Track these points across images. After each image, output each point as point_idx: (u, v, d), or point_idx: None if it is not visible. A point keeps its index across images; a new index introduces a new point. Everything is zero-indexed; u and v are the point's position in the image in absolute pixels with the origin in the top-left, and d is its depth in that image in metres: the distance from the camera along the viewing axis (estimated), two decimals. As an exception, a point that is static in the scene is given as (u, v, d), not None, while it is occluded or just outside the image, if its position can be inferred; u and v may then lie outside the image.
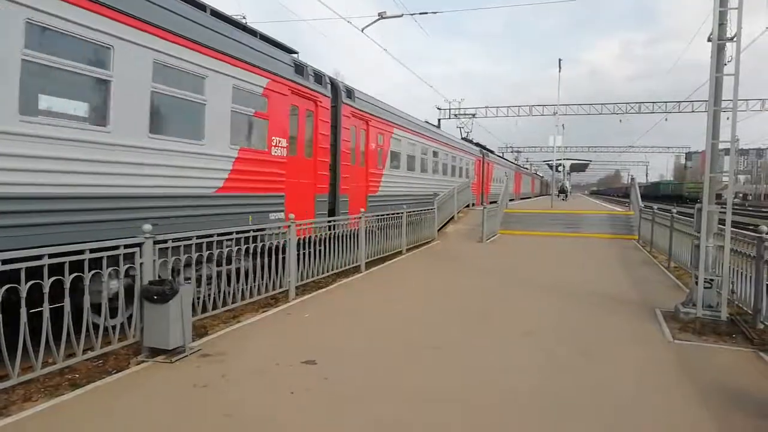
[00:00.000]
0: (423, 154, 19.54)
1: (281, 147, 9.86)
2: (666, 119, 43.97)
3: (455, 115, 39.80)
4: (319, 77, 11.48)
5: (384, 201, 15.25)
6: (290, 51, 10.87)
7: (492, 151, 38.56)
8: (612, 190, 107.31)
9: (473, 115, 37.69)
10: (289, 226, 8.27)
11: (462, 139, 31.99)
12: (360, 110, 13.74)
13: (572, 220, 20.39)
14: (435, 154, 21.26)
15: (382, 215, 12.48)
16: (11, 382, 4.35)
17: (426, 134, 20.12)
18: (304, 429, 3.93)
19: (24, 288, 4.33)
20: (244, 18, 11.51)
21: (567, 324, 7.11)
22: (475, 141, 34.75)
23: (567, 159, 48.86)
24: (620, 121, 43.81)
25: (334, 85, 12.40)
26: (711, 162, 7.21)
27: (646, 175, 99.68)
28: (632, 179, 25.43)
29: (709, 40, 7.17)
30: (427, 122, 22.92)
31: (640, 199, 18.79)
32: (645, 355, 5.81)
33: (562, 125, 35.60)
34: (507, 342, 6.24)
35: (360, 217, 11.08)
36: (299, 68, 10.65)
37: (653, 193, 64.32)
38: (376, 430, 3.93)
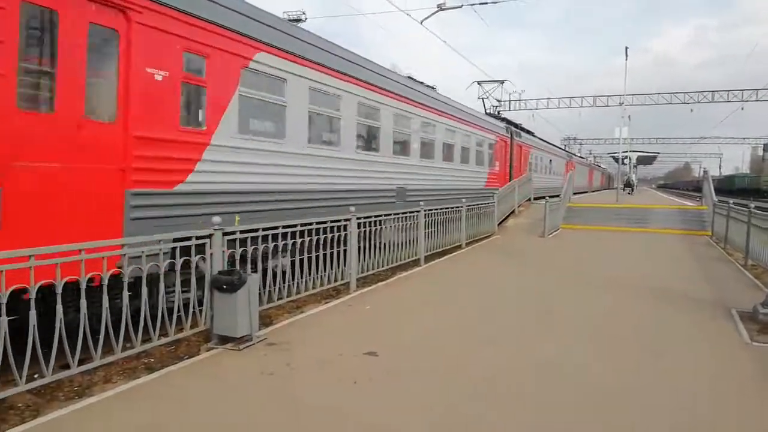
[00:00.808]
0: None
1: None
2: (742, 108, 41.52)
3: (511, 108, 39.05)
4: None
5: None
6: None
7: (529, 132, 29.71)
8: (682, 184, 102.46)
9: (501, 82, 29.92)
10: (350, 219, 8.37)
11: (487, 114, 25.62)
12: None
13: (639, 215, 19.62)
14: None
15: (440, 209, 12.39)
16: (94, 364, 4.63)
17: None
18: (368, 419, 3.99)
19: (106, 276, 4.59)
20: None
21: (635, 322, 6.88)
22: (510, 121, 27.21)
23: (633, 151, 47.00)
24: (692, 110, 41.77)
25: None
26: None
27: (720, 168, 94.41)
28: (705, 172, 24.18)
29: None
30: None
31: (713, 193, 17.87)
32: (720, 357, 5.54)
33: (629, 116, 34.26)
34: (571, 338, 6.10)
35: (417, 210, 11.09)
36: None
37: (727, 187, 60.95)
38: (439, 422, 3.94)
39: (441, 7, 18.92)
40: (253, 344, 5.57)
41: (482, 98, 28.69)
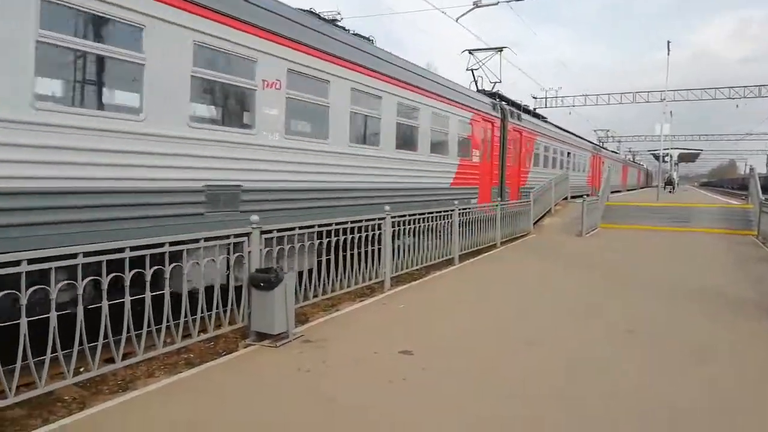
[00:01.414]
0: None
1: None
2: (791, 103, 39.90)
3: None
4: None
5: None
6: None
7: (537, 115, 23.68)
8: (726, 182, 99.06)
9: (499, 50, 19.75)
10: (384, 218, 8.39)
11: (479, 92, 18.30)
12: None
13: (680, 214, 19.07)
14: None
15: (474, 207, 12.33)
16: (137, 359, 4.77)
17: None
18: (403, 418, 4.00)
19: (148, 273, 4.72)
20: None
21: (676, 324, 6.70)
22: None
23: (675, 148, 45.72)
24: (737, 106, 40.20)
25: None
26: None
27: (767, 165, 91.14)
28: (751, 169, 23.37)
29: None
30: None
31: (760, 191, 17.23)
32: (764, 361, 5.36)
33: (670, 112, 33.34)
34: (610, 341, 5.97)
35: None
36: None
37: (775, 185, 58.74)
38: (474, 423, 3.92)
39: (477, 4, 18.72)
40: (290, 341, 5.64)
41: (472, 69, 20.14)
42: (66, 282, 4.19)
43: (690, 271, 10.48)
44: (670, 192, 36.08)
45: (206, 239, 5.33)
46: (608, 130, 62.74)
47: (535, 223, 17.21)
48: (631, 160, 70.96)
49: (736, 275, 9.97)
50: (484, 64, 20.45)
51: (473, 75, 20.15)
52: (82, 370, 4.43)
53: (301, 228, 6.57)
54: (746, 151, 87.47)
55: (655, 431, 3.84)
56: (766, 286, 9.01)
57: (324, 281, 7.04)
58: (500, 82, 20.45)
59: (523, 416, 4.04)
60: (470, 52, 20.47)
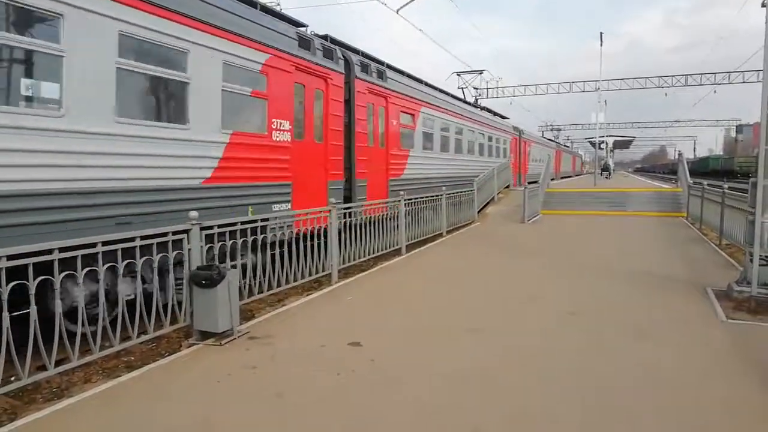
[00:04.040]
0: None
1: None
2: (715, 91, 42.23)
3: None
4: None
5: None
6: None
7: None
8: (657, 167, 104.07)
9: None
10: (330, 210, 8.33)
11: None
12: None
13: (617, 199, 19.87)
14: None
15: (420, 198, 12.40)
16: (72, 365, 4.56)
17: None
18: (351, 409, 3.99)
19: (80, 274, 4.50)
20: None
21: (614, 304, 6.97)
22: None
23: (610, 136, 47.53)
24: (665, 94, 42.22)
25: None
26: (766, 134, 6.87)
27: (694, 151, 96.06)
28: (680, 154, 24.51)
29: (763, 5, 6.81)
30: None
31: (688, 175, 18.16)
32: (697, 335, 5.66)
33: (605, 101, 34.61)
34: (551, 324, 6.16)
35: (396, 201, 11.03)
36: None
37: (702, 169, 61.97)
38: (422, 411, 3.95)
39: (416, -5, 18.83)
40: (235, 339, 5.53)
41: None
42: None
43: (628, 253, 10.93)
44: (606, 178, 37.52)
45: (142, 237, 5.13)
46: (551, 125, 64.65)
47: (479, 212, 17.53)
48: (566, 146, 69.85)
49: (670, 255, 10.48)
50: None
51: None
52: (12, 379, 4.19)
53: (243, 223, 6.43)
54: (676, 137, 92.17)
55: (588, 407, 3.98)
56: (698, 264, 9.52)
57: (269, 276, 6.92)
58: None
59: (467, 403, 4.11)
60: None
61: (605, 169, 41.38)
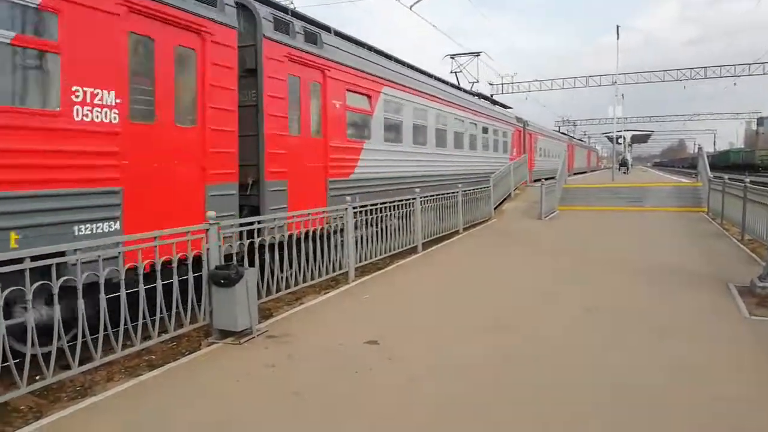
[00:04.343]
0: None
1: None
2: (735, 84, 41.47)
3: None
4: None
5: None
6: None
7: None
8: (676, 161, 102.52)
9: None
10: (346, 209, 8.35)
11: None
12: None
13: (635, 194, 19.64)
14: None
15: (437, 195, 12.35)
16: (94, 364, 4.62)
17: None
18: (369, 407, 4.01)
19: (102, 274, 4.57)
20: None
21: (634, 300, 6.91)
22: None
23: (627, 130, 46.95)
24: (684, 87, 41.67)
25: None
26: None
27: (714, 144, 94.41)
28: (699, 148, 24.20)
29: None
30: None
31: (708, 169, 17.89)
32: (720, 332, 5.58)
33: (622, 95, 34.18)
34: (571, 321, 6.12)
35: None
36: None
37: (722, 163, 60.90)
38: (440, 409, 3.96)
39: (429, -7, 18.67)
40: (254, 337, 5.57)
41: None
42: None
43: (647, 249, 10.81)
44: (624, 173, 37.08)
45: (161, 237, 5.19)
46: (568, 119, 63.78)
47: (495, 208, 17.45)
48: (580, 140, 65.99)
49: (690, 251, 10.34)
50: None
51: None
52: (38, 378, 4.28)
53: (260, 222, 6.47)
54: (695, 131, 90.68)
55: (611, 404, 3.95)
56: (719, 260, 9.38)
57: (287, 275, 6.96)
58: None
59: (487, 402, 4.10)
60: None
61: (623, 164, 40.84)
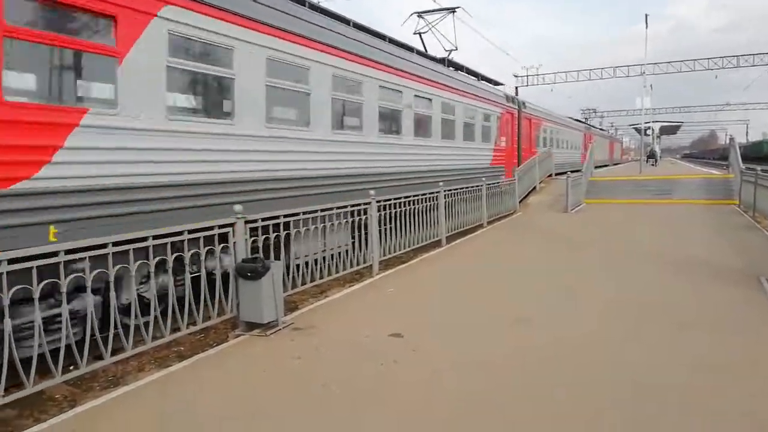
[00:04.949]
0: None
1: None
2: (769, 72, 40.23)
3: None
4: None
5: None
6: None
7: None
8: (707, 153, 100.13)
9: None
10: (370, 203, 8.37)
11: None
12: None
13: (664, 186, 19.26)
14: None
15: (460, 188, 12.31)
16: (126, 354, 4.75)
17: None
18: (395, 399, 4.03)
19: (133, 268, 4.68)
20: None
21: (663, 294, 6.81)
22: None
23: (656, 121, 46.03)
24: (716, 76, 40.60)
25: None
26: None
27: (746, 135, 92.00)
28: (731, 139, 23.57)
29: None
30: None
31: (740, 161, 17.46)
32: (751, 326, 5.46)
33: (650, 85, 33.46)
34: (598, 315, 6.05)
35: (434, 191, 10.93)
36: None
37: (755, 154, 59.21)
38: (465, 402, 3.96)
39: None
40: (280, 330, 5.65)
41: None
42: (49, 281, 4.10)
43: (676, 242, 10.62)
44: (652, 165, 36.40)
45: (190, 231, 5.28)
46: (594, 110, 62.34)
47: (520, 201, 17.32)
48: (602, 129, 58.10)
49: (720, 244, 10.13)
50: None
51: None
52: (71, 368, 4.41)
53: (286, 216, 6.53)
54: (726, 121, 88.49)
55: (636, 398, 3.91)
56: (751, 253, 9.17)
57: (312, 268, 7.03)
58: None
59: (511, 394, 4.09)
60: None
61: (651, 155, 40.07)
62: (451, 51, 17.40)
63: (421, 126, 12.91)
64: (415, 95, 12.39)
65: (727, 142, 42.02)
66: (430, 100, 13.22)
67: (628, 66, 41.89)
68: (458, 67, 16.77)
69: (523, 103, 22.04)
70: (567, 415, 3.72)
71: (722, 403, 3.83)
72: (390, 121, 11.58)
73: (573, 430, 3.54)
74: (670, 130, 57.02)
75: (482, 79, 18.49)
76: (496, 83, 20.06)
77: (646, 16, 26.24)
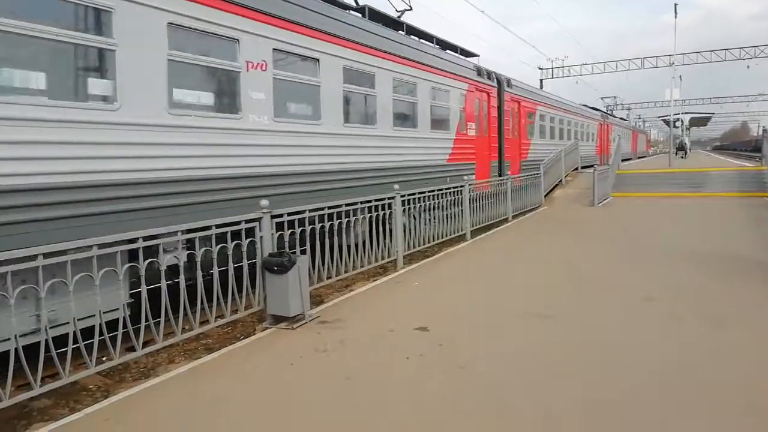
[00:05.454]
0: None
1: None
2: (805, 61, 38.98)
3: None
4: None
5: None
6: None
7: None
8: (738, 145, 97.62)
9: None
10: (394, 197, 8.38)
11: None
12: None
13: (694, 179, 18.85)
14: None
15: (482, 182, 12.25)
16: (157, 346, 4.84)
17: None
18: (421, 393, 4.04)
19: (163, 262, 4.77)
20: None
21: (693, 290, 6.68)
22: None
23: (685, 113, 45.01)
24: (748, 67, 39.42)
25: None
26: None
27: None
28: (764, 130, 22.96)
29: None
30: None
31: (774, 152, 16.99)
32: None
33: (680, 76, 32.69)
34: (626, 310, 5.96)
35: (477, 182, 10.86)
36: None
37: (789, 145, 57.66)
38: (491, 395, 3.96)
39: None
40: (306, 323, 5.70)
41: None
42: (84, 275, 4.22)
43: (706, 236, 10.40)
44: (682, 157, 35.65)
45: (217, 226, 5.36)
46: (614, 97, 60.95)
47: (546, 195, 17.14)
48: (622, 119, 50.55)
49: (753, 239, 9.88)
50: None
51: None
52: (104, 359, 4.52)
53: (311, 211, 6.57)
54: (759, 112, 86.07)
55: (665, 394, 3.85)
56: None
57: (337, 262, 7.07)
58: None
59: (540, 387, 4.07)
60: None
61: (681, 148, 39.21)
62: (403, 11, 12.96)
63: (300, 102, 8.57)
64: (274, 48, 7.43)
65: (760, 133, 40.88)
66: (317, 60, 8.29)
67: (656, 57, 40.98)
68: (415, 33, 12.48)
69: (508, 81, 16.60)
70: (596, 413, 3.68)
71: (732, 396, 3.76)
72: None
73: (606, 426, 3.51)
74: (699, 121, 55.71)
75: (447, 48, 13.83)
76: (468, 54, 15.17)
77: (675, 5, 25.64)
